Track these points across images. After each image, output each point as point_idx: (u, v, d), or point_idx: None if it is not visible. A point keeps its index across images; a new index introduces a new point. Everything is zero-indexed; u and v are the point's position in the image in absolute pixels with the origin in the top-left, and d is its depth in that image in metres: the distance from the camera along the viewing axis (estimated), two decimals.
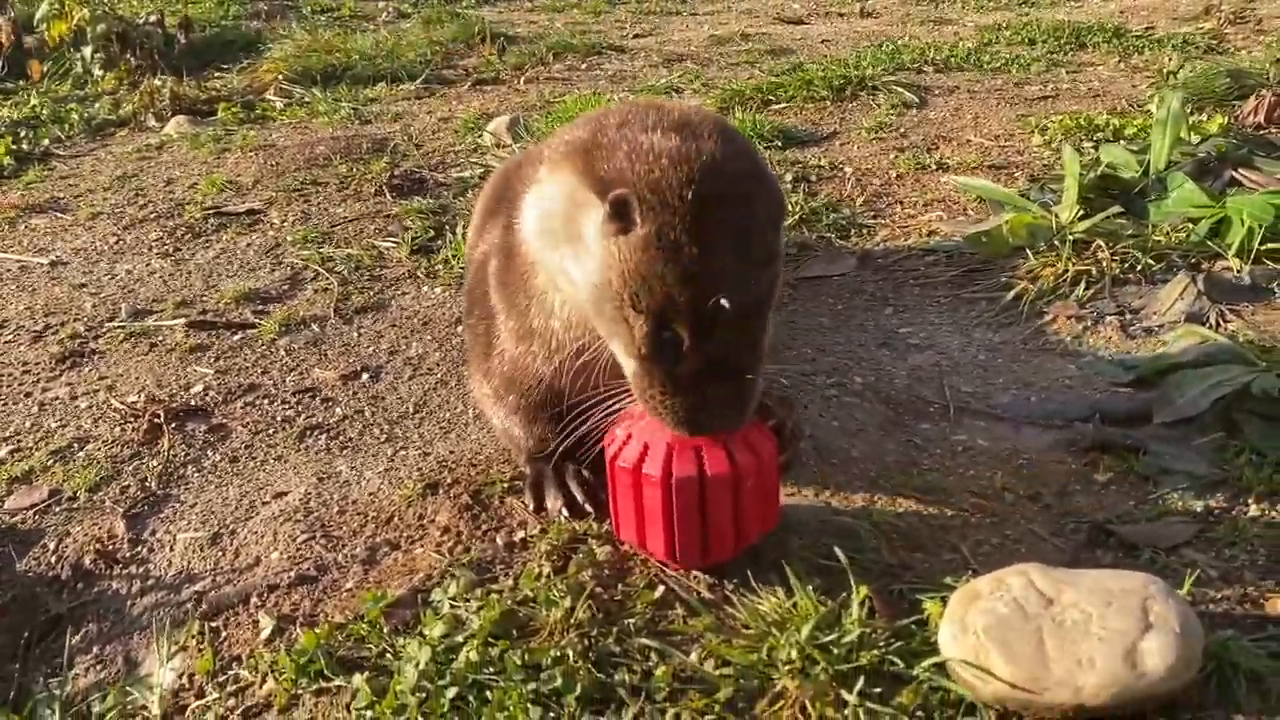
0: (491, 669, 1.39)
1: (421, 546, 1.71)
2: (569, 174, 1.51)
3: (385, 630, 1.51)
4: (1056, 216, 2.65)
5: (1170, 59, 4.66)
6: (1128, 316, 2.35)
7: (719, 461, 1.46)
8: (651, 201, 1.38)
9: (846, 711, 1.31)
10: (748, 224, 1.41)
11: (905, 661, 1.37)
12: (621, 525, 1.57)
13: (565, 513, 1.71)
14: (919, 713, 1.31)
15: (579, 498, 1.72)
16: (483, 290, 1.86)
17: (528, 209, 1.63)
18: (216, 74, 5.73)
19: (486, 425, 2.00)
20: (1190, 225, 2.62)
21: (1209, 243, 2.54)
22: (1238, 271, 2.43)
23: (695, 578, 1.56)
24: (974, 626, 1.35)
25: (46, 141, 4.54)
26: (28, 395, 2.38)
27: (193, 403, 2.28)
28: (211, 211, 3.46)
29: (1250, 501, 1.72)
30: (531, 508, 1.76)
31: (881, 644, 1.40)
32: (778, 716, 1.33)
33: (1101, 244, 2.54)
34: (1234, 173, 2.86)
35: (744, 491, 1.48)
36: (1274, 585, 1.53)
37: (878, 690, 1.33)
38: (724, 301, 1.35)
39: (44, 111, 4.97)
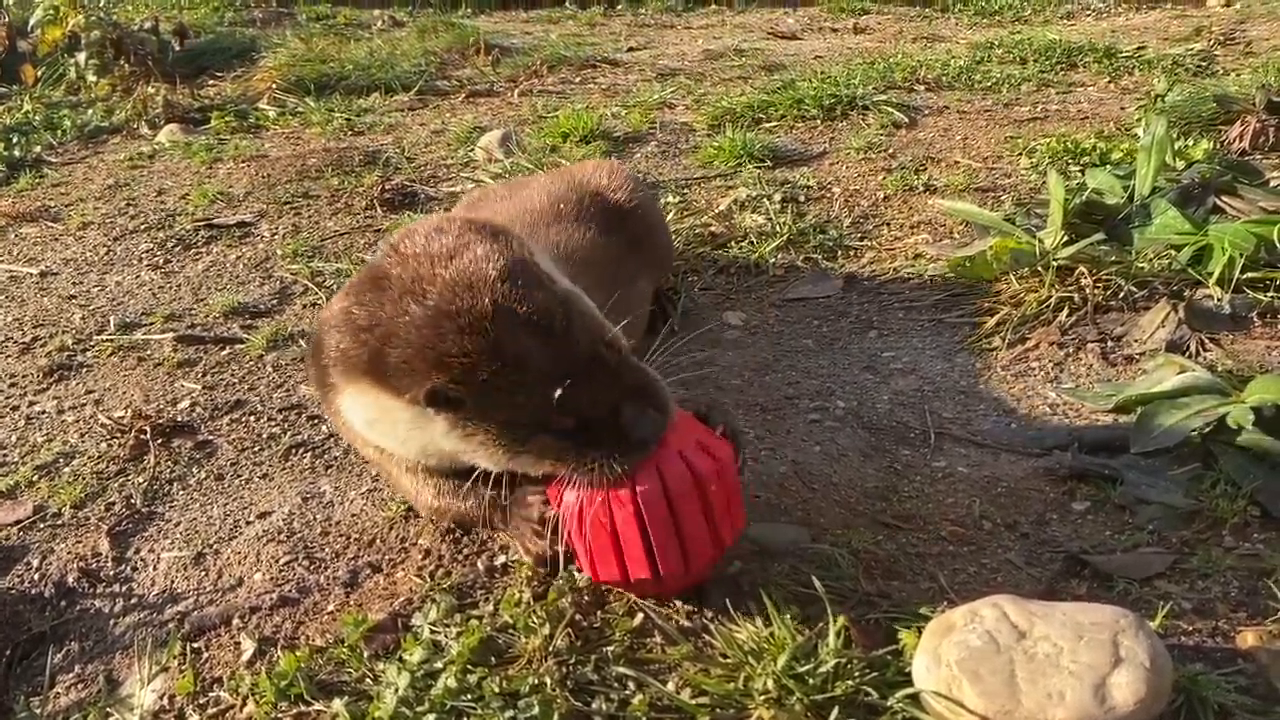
0: (470, 696, 1.41)
1: (403, 570, 1.73)
2: (368, 387, 1.55)
3: (365, 654, 1.53)
4: (1041, 242, 2.67)
5: (1159, 81, 4.69)
6: (1109, 344, 2.37)
7: (679, 471, 1.48)
8: (452, 377, 1.43)
9: None
10: (531, 314, 1.44)
11: (880, 692, 1.39)
12: (599, 566, 1.54)
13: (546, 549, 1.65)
14: None
15: (541, 550, 1.65)
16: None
17: (350, 416, 1.65)
18: (210, 81, 5.74)
19: None
20: (1173, 253, 2.64)
21: (1191, 270, 2.56)
22: (1218, 300, 2.45)
23: (674, 605, 1.57)
24: (947, 658, 1.37)
25: (38, 148, 4.56)
26: (14, 409, 2.39)
27: (179, 419, 2.29)
28: (202, 223, 3.47)
29: (1224, 533, 1.74)
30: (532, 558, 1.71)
31: (857, 674, 1.41)
32: None
33: (1085, 270, 2.56)
34: (1217, 200, 2.88)
35: (709, 495, 1.50)
36: (1246, 618, 1.55)
37: None
38: (568, 383, 1.43)
39: (37, 117, 4.98)
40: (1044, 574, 1.68)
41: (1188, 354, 2.27)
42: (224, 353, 2.60)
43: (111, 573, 1.82)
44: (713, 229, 3.14)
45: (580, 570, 1.59)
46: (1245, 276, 2.48)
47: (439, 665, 1.46)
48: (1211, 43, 5.63)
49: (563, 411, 1.44)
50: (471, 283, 1.46)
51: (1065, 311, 2.48)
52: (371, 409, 1.58)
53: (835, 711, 1.35)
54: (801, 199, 3.36)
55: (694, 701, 1.40)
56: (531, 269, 1.52)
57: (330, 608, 1.66)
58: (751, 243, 3.03)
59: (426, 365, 1.45)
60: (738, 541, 1.61)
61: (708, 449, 1.53)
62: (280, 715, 1.46)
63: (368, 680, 1.48)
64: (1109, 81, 4.89)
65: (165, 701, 1.53)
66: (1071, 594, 1.62)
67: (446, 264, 1.49)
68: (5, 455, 2.20)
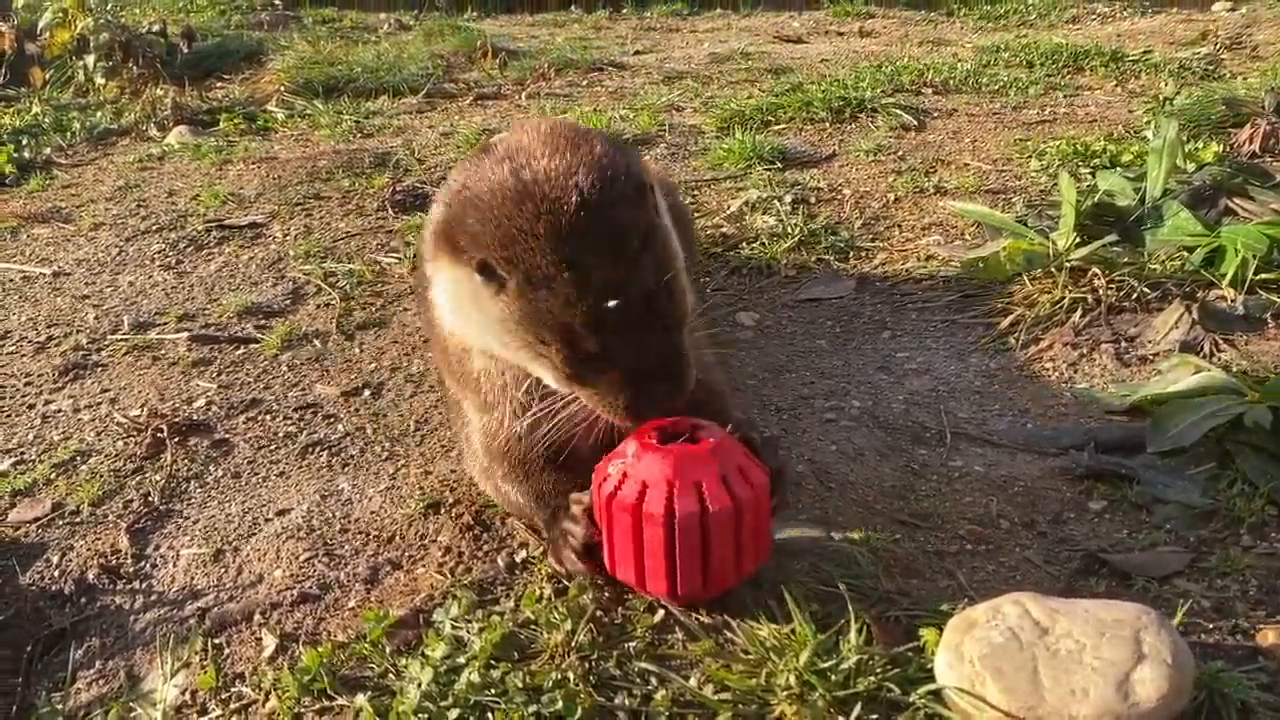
0: (493, 691, 1.41)
1: (423, 566, 1.73)
2: (443, 259, 1.56)
3: (387, 650, 1.53)
4: (1053, 243, 2.68)
5: (1167, 84, 4.71)
6: (1123, 344, 2.38)
7: (721, 499, 1.46)
8: (508, 253, 1.42)
9: None
10: (606, 222, 1.42)
11: (902, 688, 1.39)
12: (618, 565, 1.54)
13: (570, 565, 1.63)
14: None
15: (580, 538, 1.61)
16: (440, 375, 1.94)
17: (436, 304, 1.68)
18: (218, 84, 5.76)
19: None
20: (1185, 254, 2.65)
21: (1204, 272, 2.57)
22: (1232, 301, 2.46)
23: (696, 604, 1.57)
24: (969, 655, 1.37)
25: (48, 150, 4.57)
26: (30, 407, 2.40)
27: (195, 417, 2.29)
28: (214, 224, 3.48)
29: (1242, 532, 1.75)
30: (562, 574, 1.68)
31: (878, 671, 1.41)
32: None
33: (1098, 271, 2.56)
34: (1229, 201, 2.89)
35: (744, 524, 1.49)
36: (1265, 616, 1.55)
37: (874, 717, 1.35)
38: (611, 304, 1.40)
39: (46, 120, 4.99)
40: (1062, 572, 1.68)
41: (1202, 355, 2.28)
42: (238, 352, 2.61)
43: (131, 569, 1.83)
44: (724, 230, 3.15)
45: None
46: (1258, 277, 2.49)
47: (461, 660, 1.47)
48: (1218, 46, 5.65)
49: (599, 332, 1.41)
50: (569, 171, 1.44)
51: (1079, 312, 2.48)
52: (450, 282, 1.56)
53: (858, 708, 1.35)
54: (812, 200, 3.37)
55: (716, 697, 1.40)
56: (641, 190, 1.49)
57: (351, 604, 1.67)
58: (763, 244, 3.03)
59: (490, 235, 1.44)
60: (759, 569, 1.59)
61: (747, 476, 1.51)
62: (303, 710, 1.46)
63: (390, 675, 1.49)
64: (1116, 85, 4.90)
65: (187, 696, 1.54)
66: (1090, 592, 1.62)
67: (559, 149, 1.47)
68: (23, 453, 2.21)
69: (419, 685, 1.42)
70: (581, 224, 1.41)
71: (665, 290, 1.47)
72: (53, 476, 2.11)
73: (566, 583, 1.64)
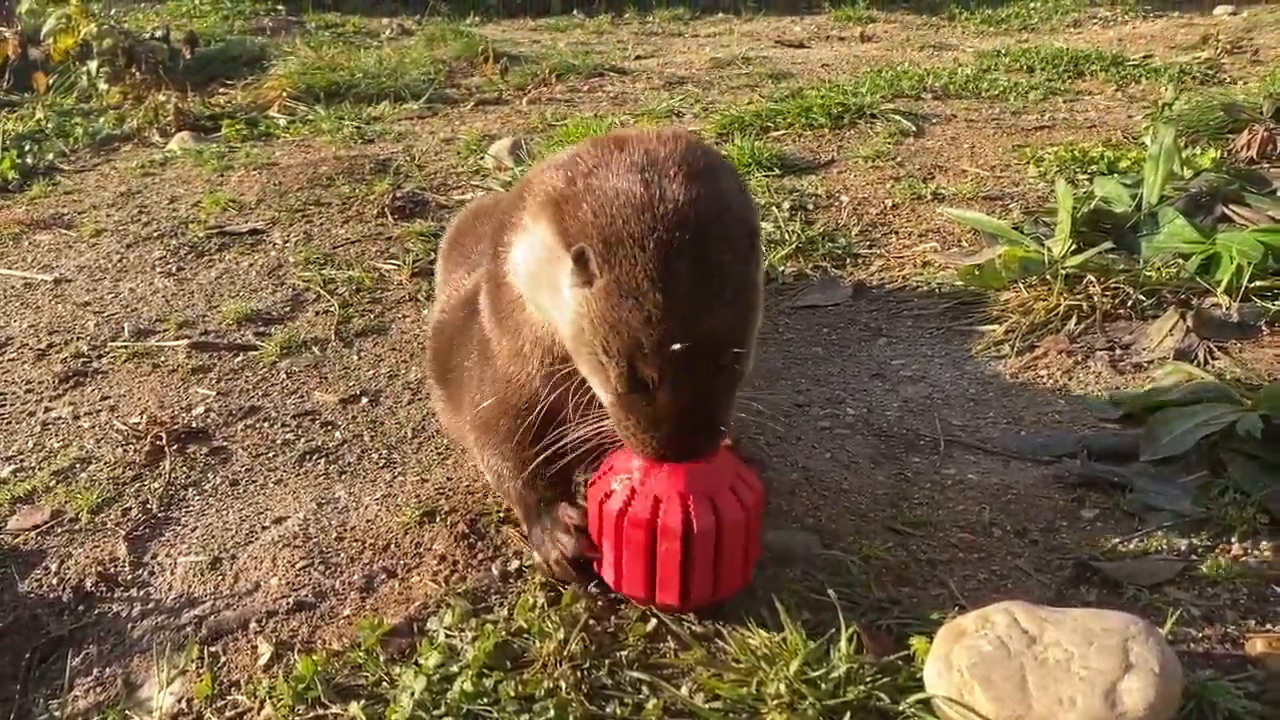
0: (485, 699, 1.42)
1: (418, 575, 1.74)
2: (545, 225, 1.54)
3: (381, 658, 1.54)
4: (1049, 250, 2.69)
5: (1166, 89, 4.71)
6: (1118, 352, 2.39)
7: (732, 508, 1.49)
8: (608, 253, 1.41)
9: None
10: (712, 262, 1.42)
11: (891, 697, 1.40)
12: (626, 580, 1.54)
13: (559, 568, 1.65)
14: None
15: (571, 550, 1.63)
16: (464, 321, 1.90)
17: (515, 252, 1.65)
18: (221, 89, 5.77)
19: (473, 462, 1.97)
20: (1181, 261, 2.66)
21: (1199, 279, 2.58)
22: (1226, 308, 2.46)
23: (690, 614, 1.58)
24: (959, 663, 1.38)
25: (51, 156, 4.58)
26: (31, 415, 2.41)
27: (194, 424, 2.31)
28: (215, 231, 3.49)
29: (1234, 540, 1.76)
30: (548, 573, 1.69)
31: (868, 680, 1.42)
32: None
33: (1093, 279, 2.57)
34: (1225, 208, 2.89)
35: (751, 530, 1.52)
36: (1255, 625, 1.56)
37: None
38: (676, 346, 1.39)
39: (49, 125, 5.01)
40: (1054, 580, 1.69)
41: (1196, 362, 2.29)
42: (237, 359, 2.62)
43: (129, 577, 1.84)
44: None
45: (599, 573, 1.60)
46: (1253, 285, 2.50)
47: (455, 669, 1.48)
48: (1219, 51, 5.65)
49: (665, 362, 1.39)
50: (694, 200, 1.43)
51: (1074, 320, 2.49)
52: (540, 248, 1.55)
53: (847, 716, 1.37)
54: (810, 207, 3.38)
55: (707, 706, 1.41)
56: (753, 241, 1.51)
57: (346, 612, 1.68)
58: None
59: (599, 230, 1.42)
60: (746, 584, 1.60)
61: (747, 482, 1.54)
62: (297, 718, 1.47)
63: (384, 684, 1.50)
64: (1116, 90, 4.91)
65: (183, 705, 1.55)
66: (1081, 600, 1.63)
67: (692, 172, 1.47)
68: (22, 460, 2.22)
69: (412, 694, 1.44)
70: (688, 255, 1.40)
71: (737, 348, 1.46)
72: (52, 484, 2.12)
73: (552, 579, 1.65)
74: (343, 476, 2.09)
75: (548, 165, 1.64)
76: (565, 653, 1.49)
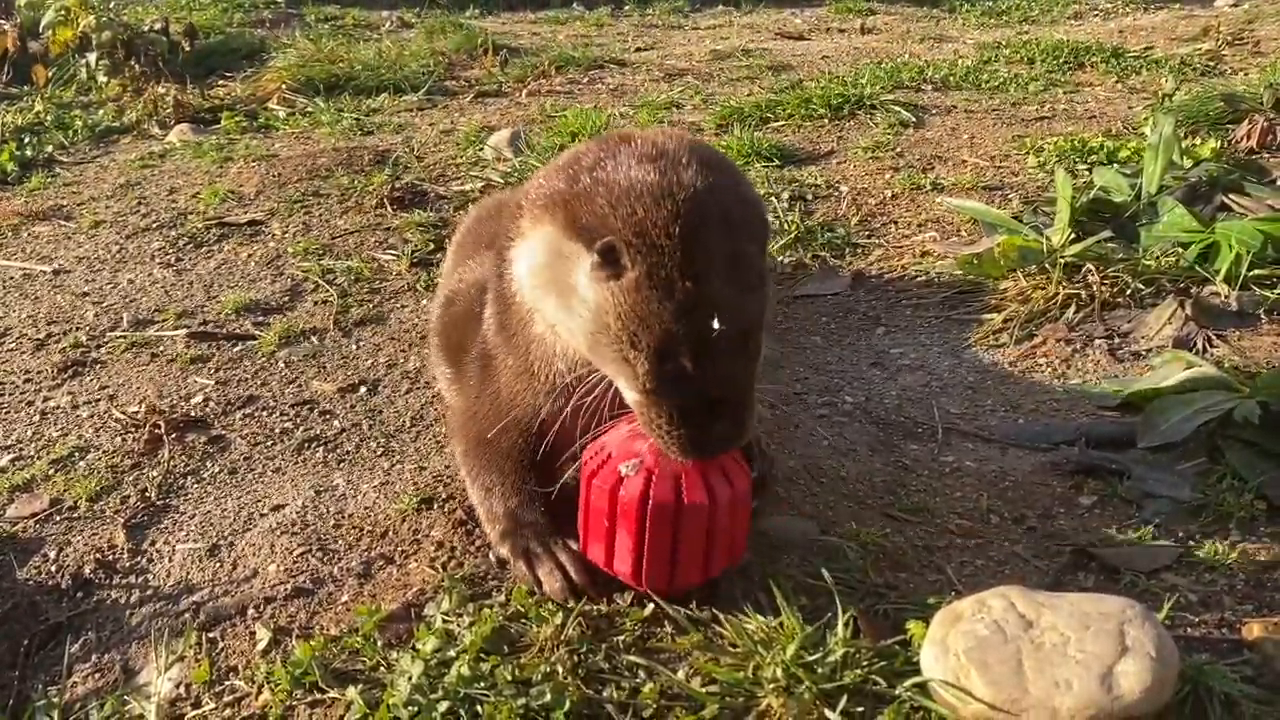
0: (483, 684, 1.42)
1: (415, 561, 1.74)
2: (551, 226, 1.53)
3: (379, 644, 1.54)
4: (1048, 240, 2.68)
5: (1167, 80, 4.70)
6: (1116, 340, 2.38)
7: (697, 496, 1.48)
8: (638, 244, 1.40)
9: None
10: (735, 250, 1.43)
11: (888, 681, 1.40)
12: (589, 545, 1.55)
13: (563, 596, 1.59)
14: None
15: (575, 576, 1.60)
16: (467, 332, 1.88)
17: (518, 262, 1.63)
18: (220, 82, 5.77)
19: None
20: (1180, 250, 2.66)
21: (1198, 268, 2.57)
22: (1225, 297, 2.46)
23: (684, 596, 1.58)
24: (955, 648, 1.38)
25: (50, 148, 4.58)
26: (29, 404, 2.41)
27: (193, 414, 2.31)
28: (213, 221, 3.49)
29: (1231, 527, 1.76)
30: (531, 582, 1.64)
31: (865, 664, 1.42)
32: None
33: (1092, 268, 2.57)
34: (1225, 198, 2.89)
35: (716, 523, 1.50)
36: (1251, 611, 1.56)
37: (860, 709, 1.36)
38: (717, 325, 1.38)
39: (48, 118, 5.00)
40: (1051, 567, 1.69)
41: (1195, 350, 2.29)
42: (236, 349, 2.62)
43: (128, 564, 1.84)
44: None
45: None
46: (1252, 274, 2.50)
47: (452, 654, 1.48)
48: (1219, 43, 5.63)
49: (698, 350, 1.39)
50: (713, 188, 1.44)
51: (1072, 308, 2.49)
52: (546, 253, 1.53)
53: (844, 700, 1.36)
54: (809, 197, 3.38)
55: (704, 690, 1.41)
56: (767, 229, 1.54)
57: (344, 598, 1.68)
58: None
59: (623, 221, 1.41)
60: (731, 567, 1.59)
61: (729, 477, 1.52)
62: (295, 703, 1.48)
63: (382, 669, 1.50)
64: (1116, 81, 4.90)
65: (182, 690, 1.55)
66: (1078, 586, 1.63)
67: (703, 164, 1.47)
68: (21, 449, 2.23)
69: (409, 678, 1.44)
70: (715, 242, 1.41)
71: (760, 333, 1.47)
72: (51, 472, 2.13)
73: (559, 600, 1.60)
74: (341, 465, 2.09)
75: (543, 173, 1.64)
76: (562, 637, 1.50)
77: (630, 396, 1.48)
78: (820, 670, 1.40)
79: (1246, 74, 4.86)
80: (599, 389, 1.55)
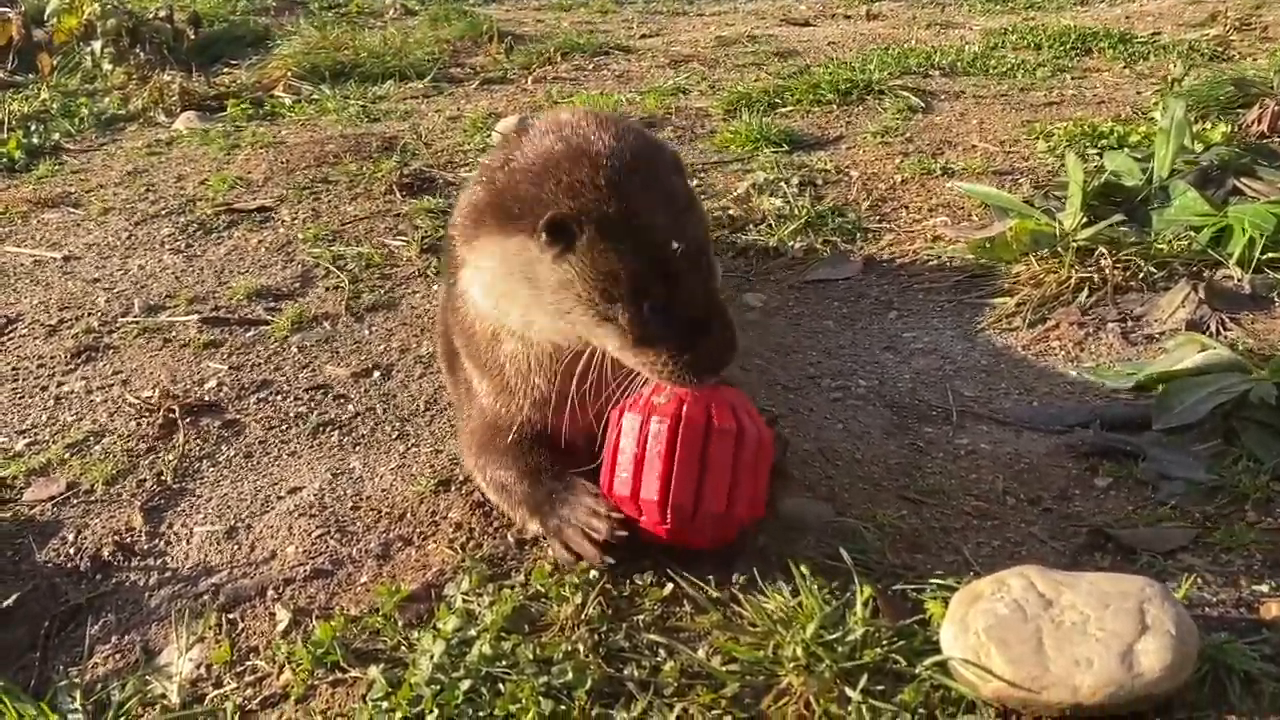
0: (504, 662, 1.43)
1: (434, 542, 1.75)
2: (486, 236, 1.58)
3: (400, 623, 1.55)
4: (1060, 224, 2.68)
5: (1175, 65, 4.68)
6: (1129, 324, 2.38)
7: (726, 415, 1.55)
8: (578, 205, 1.47)
9: (850, 708, 1.34)
10: (661, 181, 1.52)
11: (907, 660, 1.41)
12: (614, 475, 1.57)
13: (601, 558, 1.58)
14: (920, 710, 1.35)
15: (603, 521, 1.58)
16: (454, 354, 1.91)
17: (470, 290, 1.67)
18: (225, 70, 5.76)
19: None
20: (1192, 234, 2.65)
21: (1211, 251, 2.57)
22: (1238, 280, 2.46)
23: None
24: (975, 626, 1.39)
25: (57, 136, 4.57)
26: (43, 389, 2.42)
27: (207, 398, 2.31)
28: (223, 208, 3.49)
29: (1247, 507, 1.76)
30: (569, 562, 1.63)
31: (884, 643, 1.43)
32: (783, 712, 1.36)
33: (1104, 251, 2.57)
34: (1236, 182, 2.88)
35: (743, 454, 1.56)
36: (1269, 590, 1.57)
37: (880, 688, 1.37)
38: (676, 245, 1.46)
39: (54, 106, 4.99)
40: (1067, 547, 1.70)
41: (1208, 333, 2.28)
42: (249, 334, 2.62)
43: (146, 546, 1.85)
44: (731, 212, 3.15)
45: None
46: (1265, 257, 2.50)
47: (473, 633, 1.49)
48: (1227, 28, 5.61)
49: (668, 277, 1.47)
50: (617, 136, 1.52)
51: (1085, 292, 2.49)
52: (492, 262, 1.58)
53: (864, 679, 1.37)
54: (819, 183, 3.37)
55: (724, 668, 1.42)
56: (679, 162, 1.60)
57: (363, 579, 1.69)
58: (770, 226, 3.04)
59: (553, 194, 1.48)
60: (751, 521, 1.62)
61: (756, 423, 1.58)
62: (317, 682, 1.48)
63: (403, 648, 1.51)
64: (1124, 67, 4.88)
65: (203, 670, 1.56)
66: (1095, 567, 1.64)
67: (600, 123, 1.55)
68: (36, 434, 2.23)
69: (431, 657, 1.44)
70: (638, 180, 1.49)
71: (710, 249, 1.55)
72: (66, 456, 2.13)
73: (568, 570, 1.62)
74: (357, 448, 2.10)
75: (459, 200, 1.71)
76: (583, 616, 1.50)
77: (624, 354, 1.53)
78: (840, 649, 1.41)
79: (1255, 59, 4.84)
80: (595, 366, 1.59)
